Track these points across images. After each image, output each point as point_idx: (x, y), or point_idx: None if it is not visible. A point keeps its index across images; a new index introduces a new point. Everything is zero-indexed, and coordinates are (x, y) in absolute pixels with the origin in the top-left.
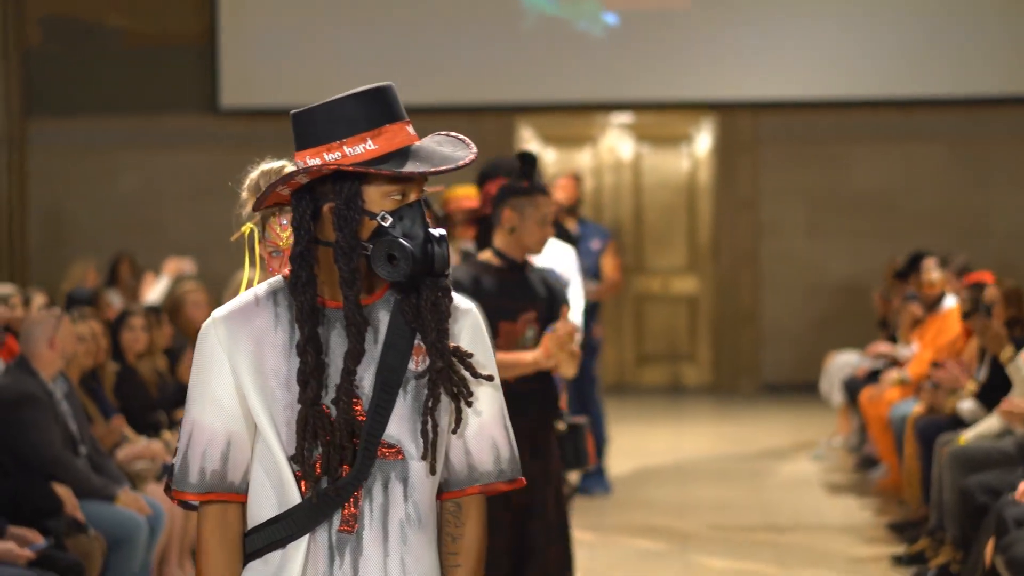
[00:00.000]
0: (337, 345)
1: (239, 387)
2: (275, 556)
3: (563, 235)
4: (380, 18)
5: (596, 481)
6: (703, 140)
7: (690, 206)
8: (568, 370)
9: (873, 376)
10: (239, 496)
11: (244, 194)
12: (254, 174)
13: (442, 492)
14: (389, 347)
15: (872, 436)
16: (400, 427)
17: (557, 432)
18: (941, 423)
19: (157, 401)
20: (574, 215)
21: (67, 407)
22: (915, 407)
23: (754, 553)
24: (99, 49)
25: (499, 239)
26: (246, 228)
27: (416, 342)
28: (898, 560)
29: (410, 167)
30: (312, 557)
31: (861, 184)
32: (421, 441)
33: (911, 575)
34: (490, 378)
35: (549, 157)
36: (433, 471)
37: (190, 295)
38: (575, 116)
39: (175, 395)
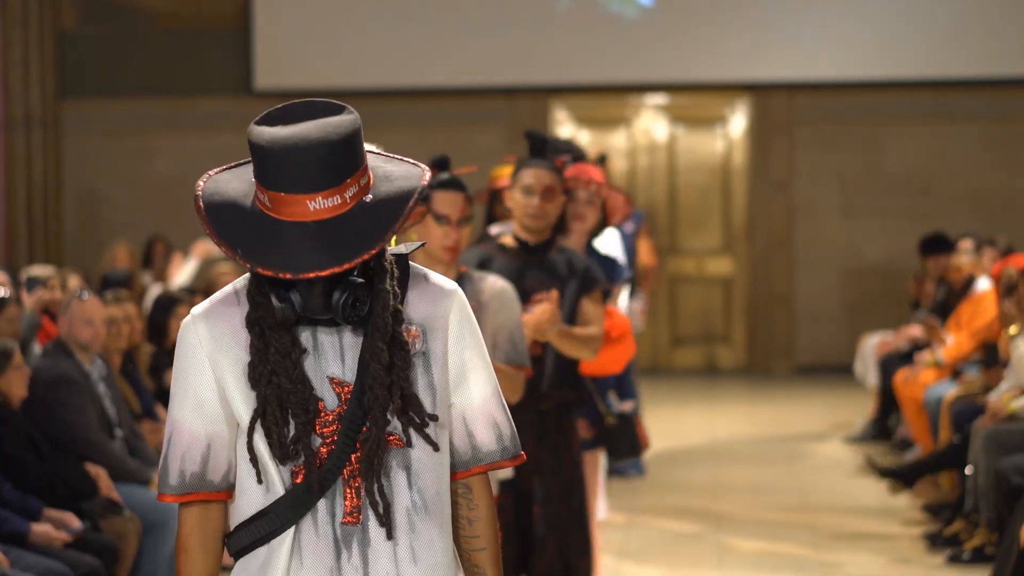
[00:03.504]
0: (324, 334)
1: (220, 387)
2: (261, 552)
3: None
4: (414, 0)
5: (630, 463)
6: (738, 121)
7: (724, 187)
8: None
9: (908, 357)
10: (220, 494)
11: None
12: None
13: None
14: (372, 331)
15: (907, 418)
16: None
17: (607, 425)
18: (977, 406)
19: None
20: None
21: (104, 389)
22: (950, 390)
23: (788, 535)
24: (134, 31)
25: (515, 222)
26: None
27: (406, 324)
28: (933, 542)
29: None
30: (313, 551)
31: (895, 165)
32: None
33: (946, 557)
34: (435, 417)
35: (583, 139)
36: (437, 448)
37: (223, 278)
38: (609, 97)
39: None
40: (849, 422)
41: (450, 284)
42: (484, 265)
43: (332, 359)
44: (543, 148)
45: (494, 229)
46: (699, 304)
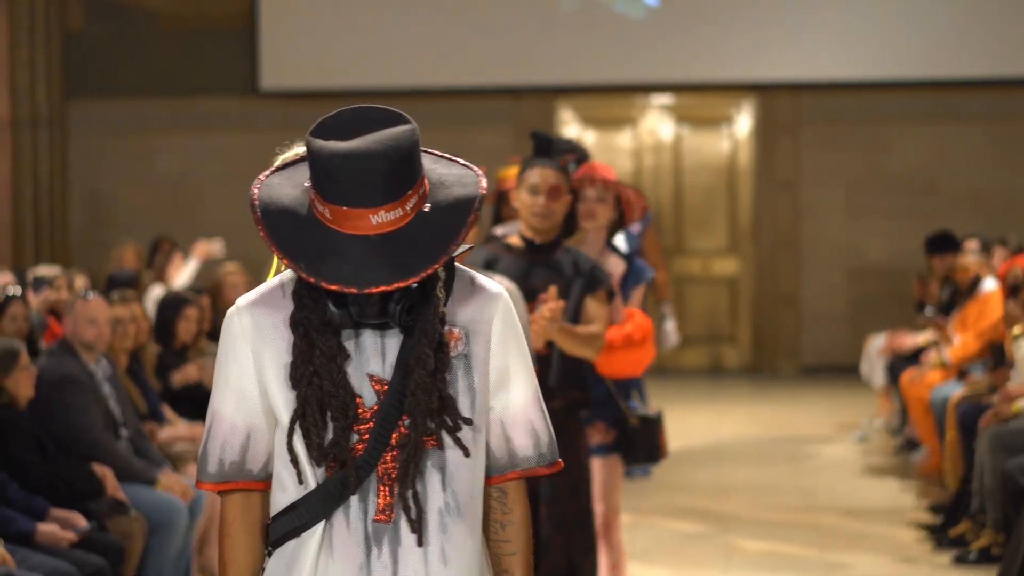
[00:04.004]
0: (368, 332)
1: (261, 380)
2: (291, 544)
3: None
4: (420, 1)
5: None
6: (743, 122)
7: (730, 188)
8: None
9: (914, 358)
10: (259, 484)
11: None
12: (288, 155)
13: (485, 477)
14: (419, 335)
15: (913, 419)
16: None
17: (629, 426)
18: (983, 406)
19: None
20: None
21: (109, 389)
22: (956, 391)
23: (794, 535)
24: (140, 31)
25: (522, 224)
26: None
27: (449, 327)
28: (939, 543)
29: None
30: (343, 547)
31: (901, 165)
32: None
33: (952, 558)
34: (468, 421)
35: (589, 139)
36: (468, 454)
37: (230, 277)
38: (615, 98)
39: None
40: (854, 422)
41: (496, 287)
42: (490, 265)
43: (373, 357)
44: (548, 148)
45: (499, 230)
46: (705, 304)
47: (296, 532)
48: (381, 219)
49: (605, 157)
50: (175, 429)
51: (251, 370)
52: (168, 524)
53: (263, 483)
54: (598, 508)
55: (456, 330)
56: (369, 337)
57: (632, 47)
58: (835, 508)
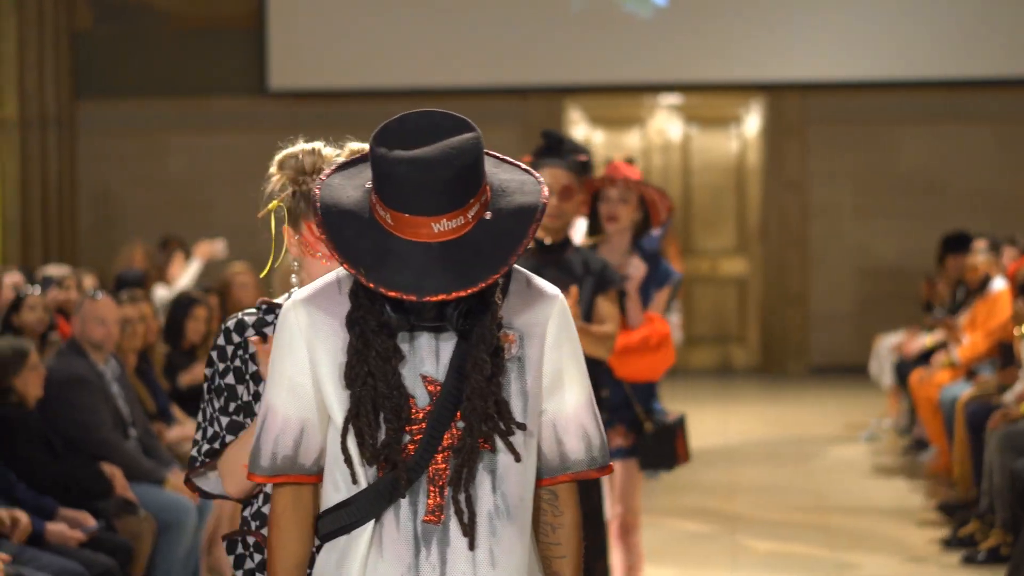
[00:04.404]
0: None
1: (315, 376)
2: (341, 541)
3: None
4: (428, 0)
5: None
6: (752, 121)
7: (739, 188)
8: None
9: (924, 358)
10: (311, 478)
11: (275, 170)
12: (293, 150)
13: (537, 479)
14: (477, 341)
15: (922, 419)
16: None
17: (641, 430)
18: (991, 406)
19: None
20: None
21: (118, 389)
22: (965, 391)
23: (802, 535)
24: (148, 31)
25: None
26: (274, 205)
27: (505, 329)
28: (947, 543)
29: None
30: (392, 546)
31: (909, 165)
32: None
33: (961, 558)
34: (522, 426)
35: (597, 139)
36: (519, 459)
37: (238, 277)
38: (623, 97)
39: None
40: (863, 422)
41: (552, 290)
42: None
43: (427, 357)
44: (559, 147)
45: None
46: (713, 304)
47: (346, 529)
48: (443, 227)
49: (613, 158)
50: (184, 429)
51: (306, 364)
52: (177, 524)
53: (315, 477)
54: (616, 511)
55: (511, 333)
56: (424, 338)
57: (640, 47)
58: (843, 508)
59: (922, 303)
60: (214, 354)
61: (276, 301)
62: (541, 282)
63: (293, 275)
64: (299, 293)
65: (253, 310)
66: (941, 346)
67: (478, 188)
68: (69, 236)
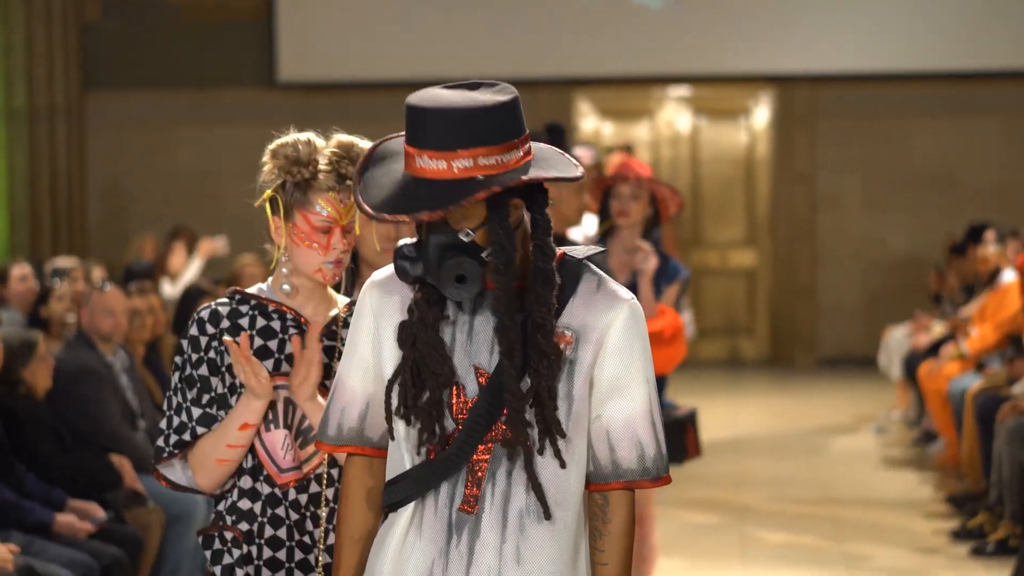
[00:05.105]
0: (482, 325)
1: (379, 351)
2: (391, 517)
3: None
4: None
5: None
6: (761, 113)
7: (748, 179)
8: None
9: (932, 350)
10: (379, 452)
11: (268, 159)
12: (286, 140)
13: (589, 483)
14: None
15: (931, 411)
16: (528, 413)
17: None
18: (1001, 398)
19: None
20: None
21: (127, 381)
22: (974, 383)
23: (811, 527)
24: (157, 23)
25: None
26: (268, 194)
27: (562, 330)
28: (956, 535)
29: None
30: (429, 530)
31: (919, 158)
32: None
33: (970, 549)
34: (562, 433)
35: (606, 130)
36: (563, 465)
37: (247, 268)
38: (632, 89)
39: None
40: (872, 414)
41: (624, 294)
42: None
43: (482, 348)
44: (562, 140)
45: None
46: (722, 296)
47: (394, 507)
48: (424, 163)
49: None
50: None
51: (375, 341)
52: (186, 515)
53: (382, 451)
54: None
55: (569, 333)
56: (481, 326)
57: (650, 39)
58: (852, 500)
59: (931, 296)
60: (185, 343)
61: (249, 291)
62: (614, 286)
63: (283, 267)
64: (376, 273)
65: (226, 299)
66: (949, 338)
67: (472, 142)
68: (78, 228)
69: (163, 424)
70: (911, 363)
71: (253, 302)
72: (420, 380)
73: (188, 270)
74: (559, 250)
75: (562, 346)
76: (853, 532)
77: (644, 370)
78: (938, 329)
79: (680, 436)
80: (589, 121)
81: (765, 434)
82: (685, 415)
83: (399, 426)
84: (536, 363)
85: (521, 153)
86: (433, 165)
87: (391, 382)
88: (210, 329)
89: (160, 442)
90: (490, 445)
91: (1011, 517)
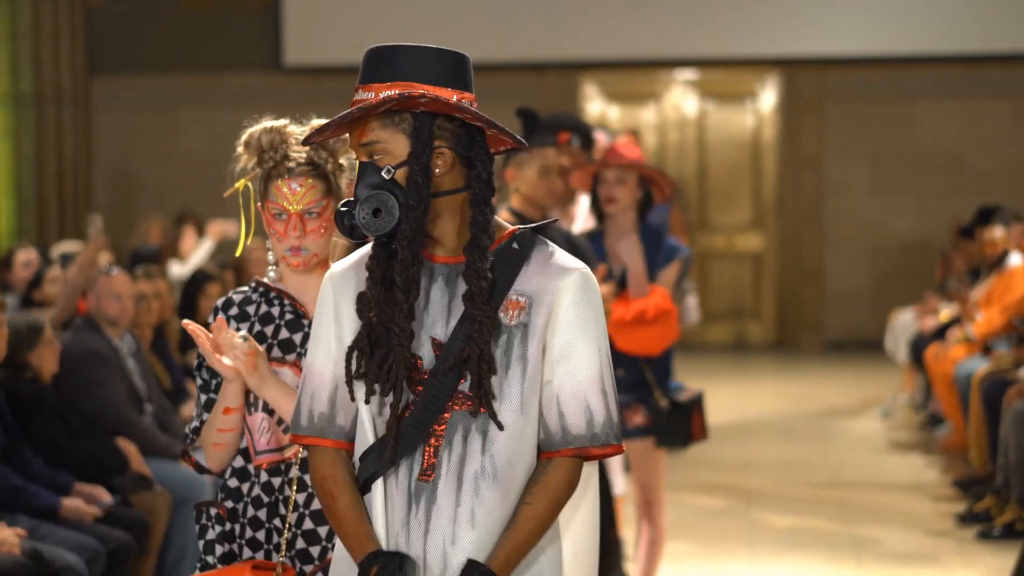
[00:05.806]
0: (437, 298)
1: (341, 333)
2: (368, 495)
3: None
4: None
5: None
6: (768, 97)
7: (754, 163)
8: None
9: (939, 334)
10: (347, 445)
11: (241, 150)
12: (254, 129)
13: (540, 452)
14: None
15: (937, 394)
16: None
17: (657, 408)
18: (1007, 381)
19: None
20: None
21: (134, 365)
22: (981, 366)
23: (818, 510)
24: (163, 7)
25: (514, 201)
26: (241, 184)
27: (512, 296)
28: (963, 518)
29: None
30: (392, 502)
31: (926, 141)
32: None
33: (976, 533)
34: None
35: (613, 114)
36: (500, 427)
37: (253, 253)
38: (639, 73)
39: None
40: (879, 398)
41: (574, 263)
42: None
43: (439, 320)
44: (536, 125)
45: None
46: (729, 280)
47: (368, 483)
48: (359, 96)
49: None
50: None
51: (335, 326)
52: (193, 499)
53: (349, 445)
54: (638, 488)
55: (522, 299)
56: (437, 298)
57: (656, 22)
58: (859, 483)
59: (938, 279)
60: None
61: (265, 280)
62: (565, 256)
63: (269, 252)
64: (335, 265)
65: (245, 288)
66: (956, 321)
67: (403, 76)
68: (85, 213)
69: (194, 411)
70: (918, 347)
71: (262, 289)
72: (380, 344)
73: (199, 251)
74: (513, 227)
75: (514, 312)
76: (860, 515)
77: (596, 338)
78: (945, 313)
79: (687, 419)
80: (595, 105)
81: (772, 418)
82: (692, 398)
83: (360, 395)
84: (469, 328)
85: (456, 99)
86: (362, 96)
87: (351, 348)
88: (221, 316)
89: (187, 429)
90: (447, 415)
91: (1017, 501)
